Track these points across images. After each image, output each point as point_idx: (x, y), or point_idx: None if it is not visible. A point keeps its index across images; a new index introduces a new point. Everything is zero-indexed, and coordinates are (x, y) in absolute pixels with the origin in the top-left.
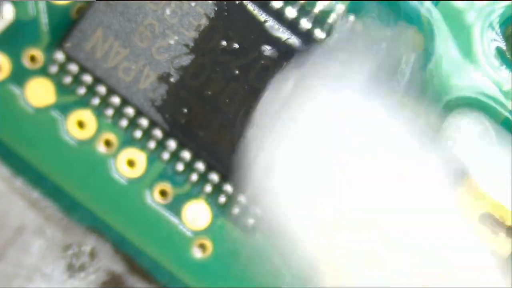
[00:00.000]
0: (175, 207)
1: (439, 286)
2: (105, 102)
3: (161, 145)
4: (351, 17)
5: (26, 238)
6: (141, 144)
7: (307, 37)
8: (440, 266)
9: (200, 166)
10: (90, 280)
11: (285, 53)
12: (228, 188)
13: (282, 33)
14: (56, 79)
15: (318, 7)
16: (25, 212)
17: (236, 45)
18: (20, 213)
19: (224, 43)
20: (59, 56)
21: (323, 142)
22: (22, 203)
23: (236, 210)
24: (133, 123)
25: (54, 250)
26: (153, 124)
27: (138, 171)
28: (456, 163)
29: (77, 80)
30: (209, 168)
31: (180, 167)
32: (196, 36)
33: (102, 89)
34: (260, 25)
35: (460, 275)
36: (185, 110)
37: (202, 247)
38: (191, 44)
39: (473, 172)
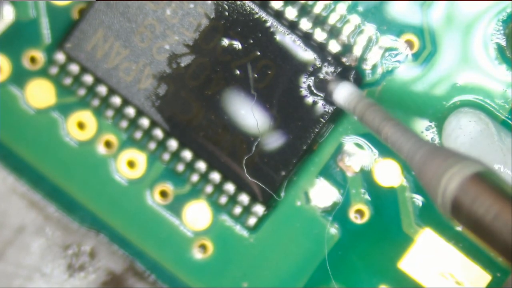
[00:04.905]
0: (176, 207)
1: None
2: (105, 103)
3: (161, 145)
4: None
5: (26, 238)
6: (141, 144)
7: (307, 37)
8: None
9: (201, 166)
10: (90, 280)
11: (285, 53)
12: (229, 188)
13: (283, 33)
14: (57, 80)
15: (319, 7)
16: (25, 212)
17: (236, 45)
18: (20, 213)
19: (224, 43)
20: (60, 56)
21: None
22: (22, 203)
23: (237, 210)
24: (133, 124)
25: (54, 250)
26: (153, 124)
27: (138, 171)
28: None
29: (77, 80)
30: (210, 168)
31: (180, 167)
32: (197, 36)
33: (102, 89)
34: (261, 25)
35: None
36: (185, 110)
37: (203, 247)
38: (191, 44)
39: None
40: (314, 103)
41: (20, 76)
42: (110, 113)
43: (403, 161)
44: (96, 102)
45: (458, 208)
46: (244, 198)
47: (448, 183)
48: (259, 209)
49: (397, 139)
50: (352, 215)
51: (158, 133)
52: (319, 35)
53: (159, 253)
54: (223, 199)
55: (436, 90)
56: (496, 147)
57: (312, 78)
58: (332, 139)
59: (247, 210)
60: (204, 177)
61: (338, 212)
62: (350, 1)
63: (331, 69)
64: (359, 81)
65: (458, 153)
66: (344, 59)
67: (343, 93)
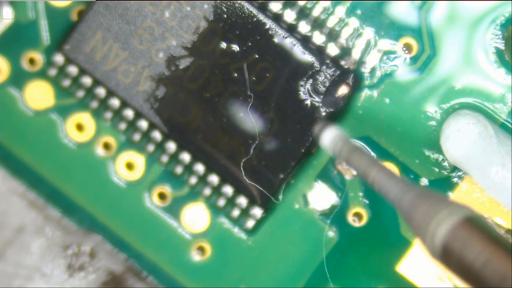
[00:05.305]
0: (174, 209)
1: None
2: (104, 105)
3: (160, 147)
4: None
5: (26, 238)
6: (140, 146)
7: (306, 40)
8: None
9: (199, 168)
10: (90, 280)
11: (284, 56)
12: (227, 190)
13: (281, 36)
14: (55, 82)
15: (317, 10)
16: (25, 212)
17: (235, 48)
18: (20, 213)
19: (223, 45)
20: (59, 58)
21: None
22: (22, 203)
23: (235, 213)
24: (132, 126)
25: (54, 250)
26: (152, 126)
27: (137, 174)
28: (456, 163)
29: (76, 82)
30: (208, 170)
31: (179, 169)
32: (195, 38)
33: (101, 91)
34: (259, 27)
35: None
36: (184, 112)
37: (201, 249)
38: (190, 46)
39: (473, 172)
40: (313, 105)
41: (19, 78)
42: (108, 115)
43: (402, 163)
44: (94, 104)
45: (448, 253)
46: (242, 200)
47: (437, 229)
48: (257, 211)
49: (384, 184)
50: (350, 218)
51: (157, 135)
52: (318, 38)
53: (158, 255)
54: (222, 202)
55: (435, 93)
56: (495, 149)
57: (311, 80)
58: None
59: (245, 212)
60: (203, 180)
61: (336, 215)
62: (348, 3)
63: (330, 72)
64: (358, 84)
65: (446, 198)
66: (342, 62)
67: (328, 137)
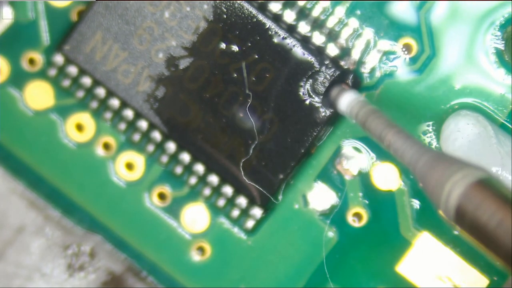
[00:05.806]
0: (174, 210)
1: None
2: (104, 105)
3: (159, 148)
4: None
5: (26, 238)
6: (139, 147)
7: (305, 41)
8: None
9: (199, 168)
10: (89, 280)
11: (284, 56)
12: (227, 190)
13: (281, 36)
14: (55, 82)
15: (317, 10)
16: (25, 212)
17: (234, 48)
18: (20, 213)
19: (222, 45)
20: (58, 58)
21: None
22: (22, 203)
23: (235, 213)
24: (132, 126)
25: (54, 250)
26: (151, 126)
27: (136, 174)
28: None
29: (76, 82)
30: (208, 170)
31: (178, 170)
32: (195, 38)
33: (101, 92)
34: (259, 28)
35: None
36: (184, 113)
37: (201, 250)
38: (190, 46)
39: None
40: (312, 106)
41: (19, 78)
42: (108, 115)
43: (402, 164)
44: (94, 104)
45: (462, 214)
46: (242, 200)
47: (452, 190)
48: (257, 212)
49: (400, 146)
50: (350, 218)
51: (157, 135)
52: (318, 39)
53: (157, 255)
54: (221, 202)
55: (435, 93)
56: (494, 150)
57: (311, 81)
58: (330, 142)
59: (245, 212)
60: (202, 180)
61: (336, 215)
62: (348, 3)
63: (330, 72)
64: (358, 84)
65: (462, 160)
66: (342, 63)
67: (345, 101)
